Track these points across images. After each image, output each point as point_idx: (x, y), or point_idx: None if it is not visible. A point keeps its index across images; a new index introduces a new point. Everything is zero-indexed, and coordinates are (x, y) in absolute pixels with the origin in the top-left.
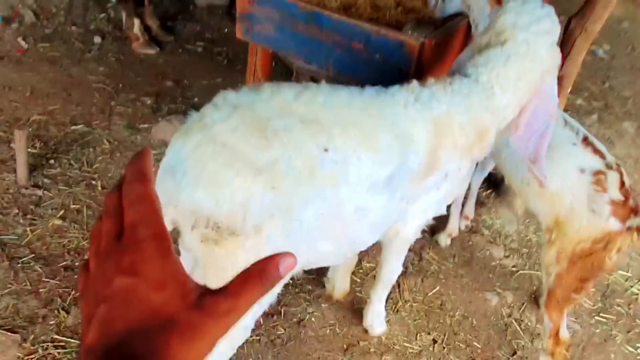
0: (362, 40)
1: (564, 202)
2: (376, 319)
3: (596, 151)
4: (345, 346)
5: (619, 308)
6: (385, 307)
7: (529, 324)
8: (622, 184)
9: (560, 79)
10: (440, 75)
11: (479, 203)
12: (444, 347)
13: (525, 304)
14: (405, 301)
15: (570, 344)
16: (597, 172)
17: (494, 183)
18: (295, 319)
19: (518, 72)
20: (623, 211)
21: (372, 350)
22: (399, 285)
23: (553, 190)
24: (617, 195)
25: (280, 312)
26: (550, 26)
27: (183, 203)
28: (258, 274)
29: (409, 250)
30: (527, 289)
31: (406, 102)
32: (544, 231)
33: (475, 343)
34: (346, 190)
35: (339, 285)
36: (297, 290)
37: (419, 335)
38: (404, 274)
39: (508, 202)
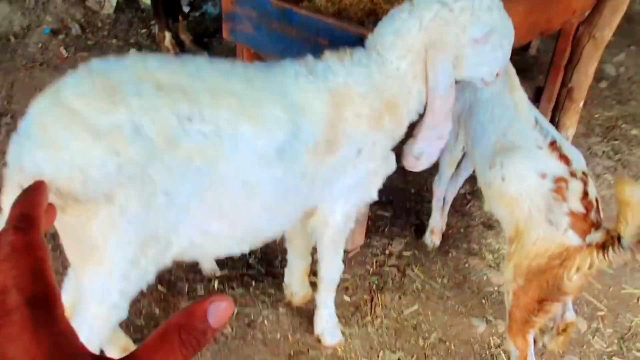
0: (326, 36)
1: (522, 208)
2: (326, 326)
3: (562, 157)
4: (292, 352)
5: (638, 354)
6: (350, 319)
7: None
8: (585, 194)
9: (570, 91)
10: None
11: (487, 226)
12: None
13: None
14: (376, 317)
15: None
16: (559, 179)
17: None
18: (247, 320)
19: (394, 32)
20: (583, 225)
21: (319, 359)
22: (372, 299)
23: (512, 194)
24: (578, 207)
25: (233, 311)
26: (452, 3)
27: (26, 166)
28: (177, 330)
29: (391, 265)
30: None
31: (297, 74)
32: (508, 242)
33: None
34: (227, 164)
35: (297, 290)
36: (257, 292)
37: (381, 352)
38: (381, 289)
39: None
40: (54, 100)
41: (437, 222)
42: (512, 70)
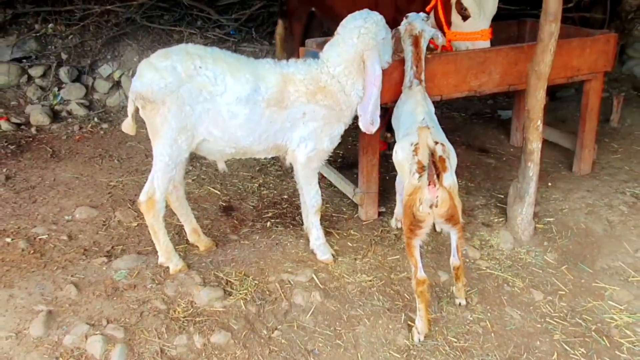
0: None
1: (405, 169)
2: (315, 243)
3: None
4: (297, 259)
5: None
6: (346, 255)
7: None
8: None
9: (528, 112)
10: None
11: (486, 224)
12: (374, 287)
13: (471, 290)
14: (366, 257)
15: (429, 283)
16: (417, 143)
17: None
18: (277, 241)
19: (337, 54)
20: (422, 170)
21: (313, 267)
22: (367, 249)
23: (400, 160)
24: (423, 158)
25: (270, 236)
26: (365, 24)
27: (131, 88)
28: None
29: (393, 233)
30: (487, 283)
31: (267, 63)
32: None
33: (406, 295)
34: (220, 98)
35: (307, 225)
36: (292, 231)
37: (359, 274)
38: (375, 243)
39: (511, 226)
40: (146, 60)
41: (400, 211)
42: (420, 95)
